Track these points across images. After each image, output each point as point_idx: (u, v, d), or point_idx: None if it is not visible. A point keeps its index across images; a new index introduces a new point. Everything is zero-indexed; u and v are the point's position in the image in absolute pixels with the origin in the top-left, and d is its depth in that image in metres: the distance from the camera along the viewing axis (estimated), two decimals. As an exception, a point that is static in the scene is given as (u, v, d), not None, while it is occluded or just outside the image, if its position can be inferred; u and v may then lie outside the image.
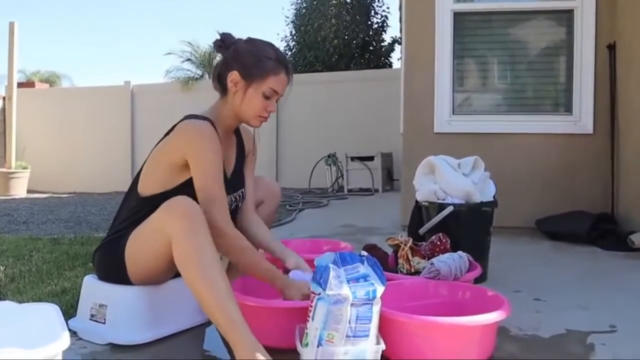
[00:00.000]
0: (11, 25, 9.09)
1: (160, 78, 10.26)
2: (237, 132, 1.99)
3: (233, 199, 1.88)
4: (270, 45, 1.83)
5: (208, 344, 1.81)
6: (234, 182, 1.90)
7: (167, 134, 1.80)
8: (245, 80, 1.76)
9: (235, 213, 1.94)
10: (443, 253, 2.11)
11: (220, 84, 1.82)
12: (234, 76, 1.77)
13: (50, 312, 1.34)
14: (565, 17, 3.96)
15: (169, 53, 10.87)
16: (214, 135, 1.71)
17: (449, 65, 3.93)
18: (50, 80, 16.83)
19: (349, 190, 7.68)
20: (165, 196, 1.72)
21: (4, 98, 9.92)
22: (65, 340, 1.14)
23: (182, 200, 1.59)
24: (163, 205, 1.60)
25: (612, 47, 3.78)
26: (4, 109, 9.90)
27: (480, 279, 2.38)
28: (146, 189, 1.80)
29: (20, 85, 10.28)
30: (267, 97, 1.77)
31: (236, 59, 1.77)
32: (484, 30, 4.14)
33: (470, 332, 1.51)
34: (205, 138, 1.69)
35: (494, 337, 1.60)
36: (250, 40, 1.82)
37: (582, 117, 3.86)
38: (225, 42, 1.82)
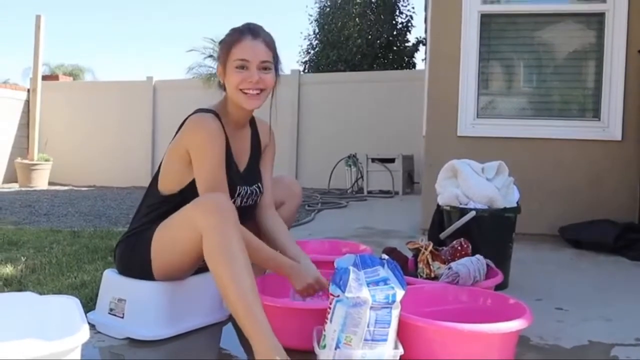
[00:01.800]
0: (38, 18, 9.24)
1: (182, 74, 10.30)
2: (254, 126, 1.98)
3: (248, 193, 1.87)
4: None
5: (225, 343, 1.82)
6: (248, 176, 1.89)
7: (180, 128, 1.82)
8: (222, 67, 1.80)
9: (253, 209, 1.94)
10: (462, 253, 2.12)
11: (219, 83, 1.88)
12: (218, 69, 1.84)
13: (70, 304, 1.35)
14: (595, 20, 3.89)
15: (191, 50, 10.90)
16: (217, 128, 1.72)
17: (475, 68, 3.89)
18: (74, 73, 17.12)
19: (369, 192, 7.64)
20: (181, 194, 1.76)
21: (28, 90, 10.09)
22: (84, 333, 1.15)
23: (213, 195, 1.61)
24: (194, 201, 1.62)
25: (643, 52, 3.71)
26: (28, 101, 10.07)
27: (501, 286, 2.35)
28: (165, 186, 1.82)
29: (44, 78, 10.44)
30: (240, 68, 1.74)
31: (217, 55, 1.86)
32: (511, 33, 4.09)
33: (490, 339, 1.49)
34: (203, 132, 1.70)
35: (514, 346, 1.58)
36: None
37: (611, 124, 3.79)
38: None
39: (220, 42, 1.82)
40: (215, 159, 1.70)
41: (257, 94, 1.76)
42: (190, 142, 1.73)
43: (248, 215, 1.90)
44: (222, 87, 1.84)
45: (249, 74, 1.74)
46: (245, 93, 1.75)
